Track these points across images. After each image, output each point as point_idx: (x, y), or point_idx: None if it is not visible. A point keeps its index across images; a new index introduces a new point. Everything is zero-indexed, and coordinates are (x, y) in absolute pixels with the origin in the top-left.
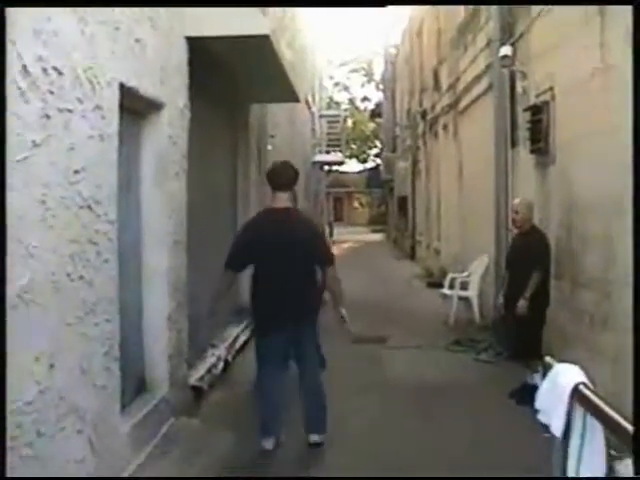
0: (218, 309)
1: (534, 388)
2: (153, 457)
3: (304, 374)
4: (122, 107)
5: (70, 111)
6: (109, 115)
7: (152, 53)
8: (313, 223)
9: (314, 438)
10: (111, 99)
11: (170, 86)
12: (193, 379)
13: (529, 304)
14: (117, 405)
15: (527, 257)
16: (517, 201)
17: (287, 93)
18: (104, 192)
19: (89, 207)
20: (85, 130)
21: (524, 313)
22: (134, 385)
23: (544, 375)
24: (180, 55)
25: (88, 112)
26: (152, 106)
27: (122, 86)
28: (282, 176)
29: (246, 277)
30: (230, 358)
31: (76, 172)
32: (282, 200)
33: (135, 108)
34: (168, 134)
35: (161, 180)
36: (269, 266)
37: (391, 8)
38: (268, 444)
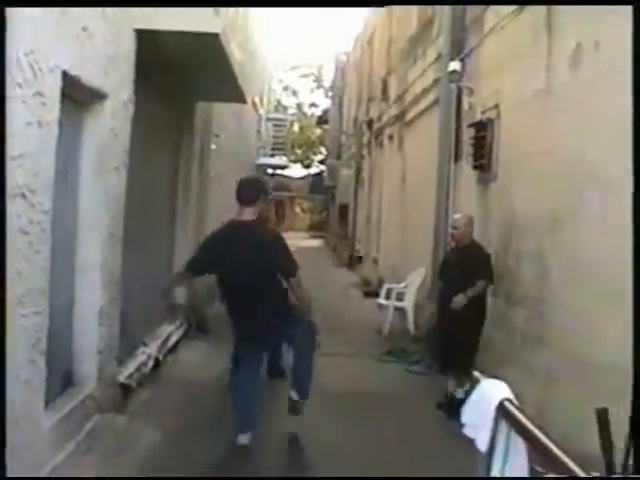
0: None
1: (462, 402)
2: (75, 454)
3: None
4: (64, 95)
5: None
6: (50, 102)
7: (99, 43)
8: (276, 234)
9: (294, 395)
10: (53, 86)
11: (115, 78)
12: (122, 376)
13: (466, 320)
14: (41, 400)
15: (468, 271)
16: (457, 216)
17: (234, 93)
18: (40, 181)
19: (23, 195)
20: (24, 116)
21: (458, 308)
22: (60, 379)
23: (471, 389)
24: (128, 47)
25: (28, 98)
26: (95, 97)
27: (65, 74)
28: (245, 191)
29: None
30: (161, 357)
31: (12, 159)
32: (247, 213)
33: (78, 97)
34: (110, 126)
35: (100, 172)
36: (232, 277)
37: (345, 15)
38: (244, 439)
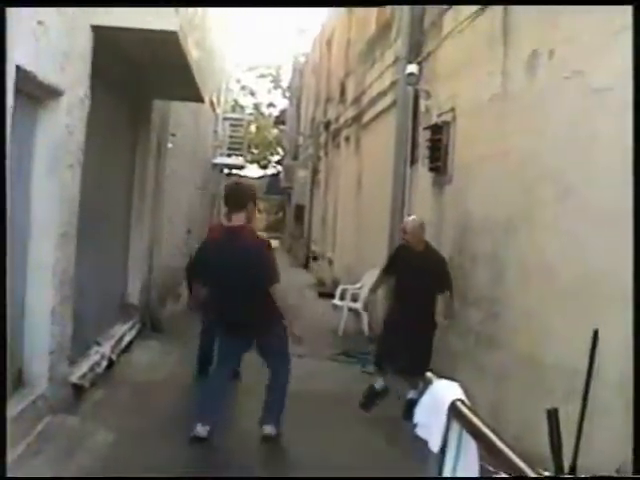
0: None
1: (414, 402)
2: (24, 457)
3: (272, 373)
4: (18, 90)
5: None
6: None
7: (55, 38)
8: (262, 241)
9: (267, 429)
10: (7, 81)
11: (71, 74)
12: (75, 376)
13: (427, 322)
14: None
15: (428, 278)
16: (407, 219)
17: (192, 92)
18: None
19: None
20: None
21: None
22: (10, 380)
23: (423, 390)
24: (84, 43)
25: None
26: (50, 93)
27: (19, 68)
28: (234, 198)
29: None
30: (114, 357)
31: None
32: (235, 219)
33: (32, 93)
34: (65, 123)
35: (54, 170)
36: (216, 280)
37: (305, 16)
38: (203, 431)
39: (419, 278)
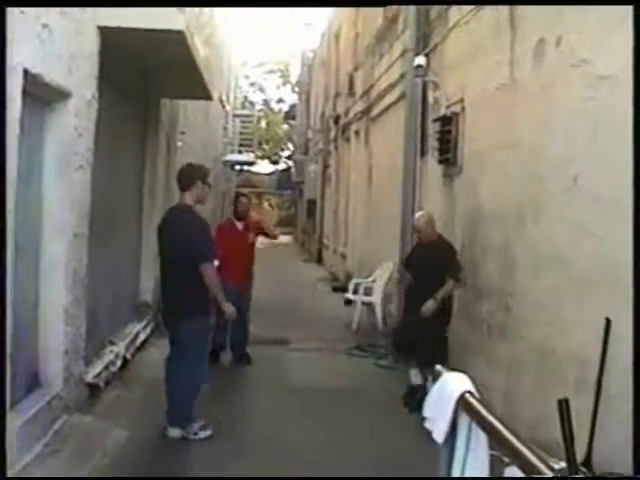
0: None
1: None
2: (41, 456)
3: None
4: (26, 94)
5: None
6: (11, 101)
7: (60, 40)
8: (198, 218)
9: (170, 432)
10: (14, 85)
11: (78, 75)
12: (89, 376)
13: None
14: (5, 402)
15: (434, 268)
16: (417, 216)
17: (200, 90)
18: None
19: None
20: None
21: (430, 315)
22: (26, 380)
23: (433, 383)
24: (91, 44)
25: None
26: (58, 95)
27: (26, 72)
28: (181, 178)
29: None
30: (129, 356)
31: None
32: (184, 198)
33: (40, 96)
34: (74, 125)
35: (64, 171)
36: (162, 259)
37: (312, 10)
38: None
39: (427, 270)
